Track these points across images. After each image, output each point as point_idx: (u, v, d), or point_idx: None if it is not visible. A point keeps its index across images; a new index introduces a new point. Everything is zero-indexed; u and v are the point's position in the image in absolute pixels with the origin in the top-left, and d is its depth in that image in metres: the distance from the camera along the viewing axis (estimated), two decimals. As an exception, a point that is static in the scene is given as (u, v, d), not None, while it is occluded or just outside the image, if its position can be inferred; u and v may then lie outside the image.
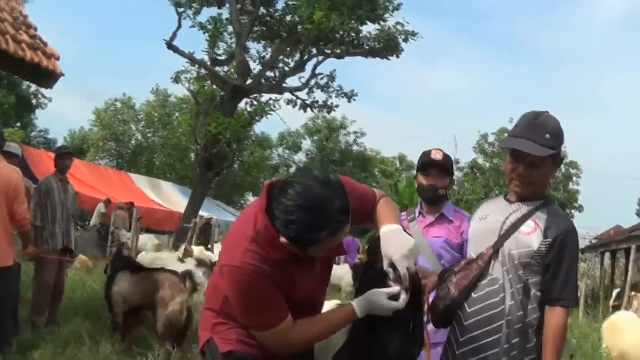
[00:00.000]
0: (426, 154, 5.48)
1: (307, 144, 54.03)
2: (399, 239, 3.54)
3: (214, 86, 25.13)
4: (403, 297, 3.51)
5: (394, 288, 3.51)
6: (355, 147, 54.89)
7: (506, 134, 38.33)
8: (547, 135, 3.84)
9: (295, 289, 3.48)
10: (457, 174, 46.07)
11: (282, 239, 3.25)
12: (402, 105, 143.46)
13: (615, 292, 20.50)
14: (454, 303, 3.95)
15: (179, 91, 57.38)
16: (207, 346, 3.70)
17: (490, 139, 45.50)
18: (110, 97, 52.58)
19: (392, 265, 3.47)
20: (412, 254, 3.52)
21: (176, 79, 25.29)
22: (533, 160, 3.87)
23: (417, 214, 5.54)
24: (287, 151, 55.01)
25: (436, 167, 5.44)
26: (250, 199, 60.33)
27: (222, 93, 24.85)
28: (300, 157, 54.27)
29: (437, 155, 5.44)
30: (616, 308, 16.09)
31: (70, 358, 8.09)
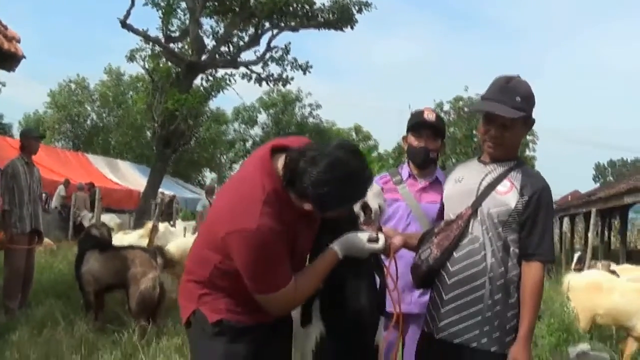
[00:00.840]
0: (418, 114, 5.30)
1: (262, 117, 53.94)
2: (379, 197, 3.75)
3: (169, 63, 24.98)
4: (382, 239, 3.73)
5: (372, 233, 3.71)
6: (311, 120, 54.85)
7: (461, 103, 38.61)
8: (518, 99, 3.99)
9: (297, 244, 3.58)
10: (437, 144, 46.20)
11: (307, 206, 3.37)
12: (357, 77, 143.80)
13: (576, 255, 20.78)
14: (437, 263, 4.08)
15: (133, 70, 56.93)
16: (193, 318, 3.74)
17: (446, 107, 45.50)
18: (64, 78, 51.97)
19: (363, 206, 3.68)
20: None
21: (131, 58, 25.10)
22: (504, 122, 4.01)
23: (405, 177, 5.36)
24: (243, 126, 54.82)
25: (428, 128, 5.24)
26: (208, 175, 60.15)
27: (178, 70, 24.70)
28: (257, 131, 54.14)
29: (429, 116, 5.25)
30: (578, 272, 16.34)
31: (48, 339, 8.07)
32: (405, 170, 5.40)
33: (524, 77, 4.16)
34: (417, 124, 5.26)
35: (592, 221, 17.11)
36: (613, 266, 15.21)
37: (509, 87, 4.04)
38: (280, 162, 3.49)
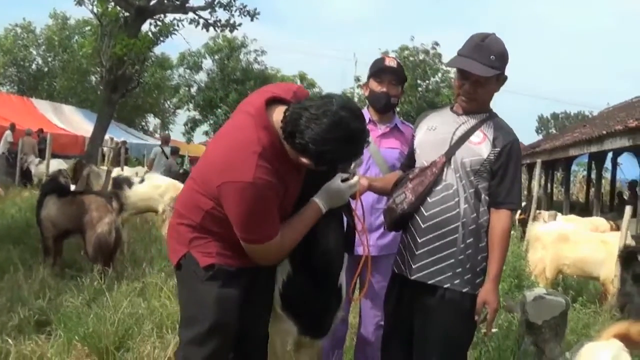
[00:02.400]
0: (380, 61, 5.40)
1: (207, 63, 53.39)
2: None
3: (118, 8, 24.67)
4: (355, 177, 3.90)
5: (343, 174, 3.88)
6: (256, 66, 54.20)
7: (407, 52, 38.62)
8: (492, 57, 4.12)
9: (287, 195, 3.70)
10: (358, 92, 46.12)
11: (305, 160, 3.50)
12: (302, 24, 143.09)
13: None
14: (411, 207, 4.23)
15: (79, 14, 55.99)
16: (184, 260, 3.84)
17: (389, 56, 45.44)
18: (10, 23, 51.00)
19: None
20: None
21: (79, 2, 24.66)
22: (478, 79, 4.15)
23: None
24: (187, 71, 54.29)
25: (390, 73, 5.34)
26: (151, 120, 59.67)
27: (126, 14, 24.41)
28: (202, 76, 53.64)
29: (391, 63, 5.37)
30: (523, 221, 16.63)
31: (9, 284, 8.07)
32: (366, 116, 5.30)
33: (467, 27, 4.30)
34: (379, 69, 5.35)
35: (536, 172, 17.35)
36: (559, 216, 15.55)
37: (483, 45, 4.17)
38: (277, 114, 3.58)
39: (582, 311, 9.19)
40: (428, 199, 4.21)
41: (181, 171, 20.53)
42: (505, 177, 4.18)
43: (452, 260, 4.16)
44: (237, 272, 3.79)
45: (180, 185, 11.68)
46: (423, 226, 4.21)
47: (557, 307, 6.41)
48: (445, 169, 4.21)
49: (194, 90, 52.55)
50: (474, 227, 4.19)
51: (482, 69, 4.10)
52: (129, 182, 12.21)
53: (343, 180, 3.89)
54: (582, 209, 24.92)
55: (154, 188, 12.52)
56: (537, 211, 16.28)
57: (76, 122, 36.04)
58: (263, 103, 3.62)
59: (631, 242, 10.40)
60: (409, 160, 4.63)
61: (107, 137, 24.64)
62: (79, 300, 7.21)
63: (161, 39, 26.27)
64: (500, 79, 4.29)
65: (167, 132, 34.40)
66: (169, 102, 57.70)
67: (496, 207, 4.20)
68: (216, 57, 51.71)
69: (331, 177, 3.91)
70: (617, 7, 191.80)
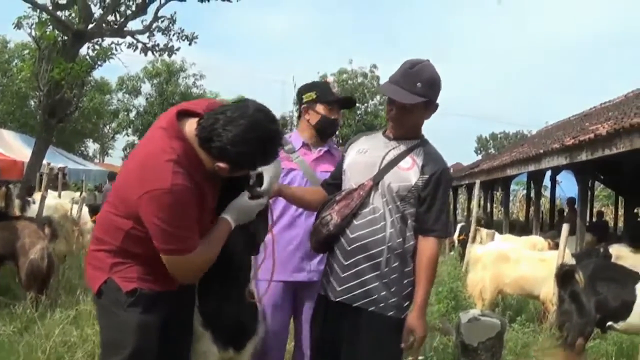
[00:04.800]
0: (329, 87, 5.47)
1: (146, 87, 53.21)
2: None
3: (56, 31, 24.47)
4: (264, 186, 3.91)
5: (250, 191, 3.85)
6: (194, 90, 54.25)
7: (345, 75, 38.83)
8: (419, 84, 4.14)
9: (205, 208, 3.68)
10: (296, 115, 46.25)
11: (221, 165, 3.49)
12: (240, 48, 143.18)
13: (459, 226, 21.27)
14: (336, 229, 4.22)
15: (18, 37, 55.46)
16: (105, 287, 3.77)
17: (329, 79, 45.63)
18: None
19: (258, 176, 3.86)
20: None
21: (18, 25, 24.42)
22: (404, 106, 4.18)
23: (298, 146, 5.39)
24: (126, 96, 54.03)
25: (340, 102, 5.44)
26: (91, 145, 59.23)
27: (65, 38, 24.23)
28: (140, 101, 53.39)
29: (337, 89, 5.46)
30: (463, 242, 16.75)
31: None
32: (297, 139, 5.44)
33: (405, 50, 4.34)
34: (334, 99, 5.39)
35: (475, 192, 17.49)
36: (497, 236, 15.70)
37: (412, 72, 4.19)
38: (189, 125, 3.58)
39: (520, 331, 9.26)
40: (354, 221, 4.20)
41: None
42: (433, 204, 4.19)
43: (377, 284, 4.16)
44: (159, 297, 3.74)
45: (67, 206, 11.62)
46: (348, 248, 4.21)
47: (493, 328, 6.43)
48: (372, 193, 4.21)
49: (132, 114, 52.39)
50: (400, 251, 4.18)
51: (405, 96, 4.13)
52: (27, 203, 12.17)
53: (252, 197, 3.87)
54: (522, 228, 25.12)
55: (45, 209, 12.38)
56: (477, 227, 16.42)
57: (16, 147, 35.51)
58: (174, 115, 3.62)
59: (571, 260, 10.48)
60: (332, 179, 4.62)
61: (45, 162, 24.38)
62: (10, 329, 7.11)
63: (99, 63, 26.14)
64: (430, 107, 4.30)
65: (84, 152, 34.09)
66: (108, 127, 57.43)
67: (423, 235, 4.21)
68: (155, 81, 51.60)
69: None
70: (552, 26, 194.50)
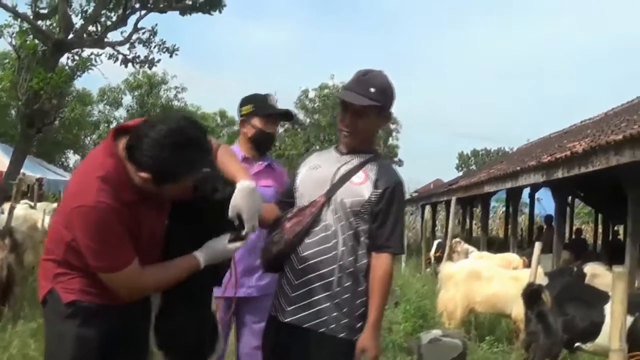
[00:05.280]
0: (267, 100, 5.41)
1: (127, 99, 53.16)
2: (253, 198, 3.72)
3: (36, 41, 24.42)
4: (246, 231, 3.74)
5: (231, 235, 3.75)
6: (176, 103, 54.26)
7: (326, 90, 38.95)
8: (372, 89, 4.11)
9: (142, 229, 3.59)
10: (278, 130, 46.25)
11: (144, 175, 3.40)
12: (223, 61, 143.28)
13: (436, 242, 21.26)
14: (287, 248, 4.13)
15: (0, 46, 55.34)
16: (49, 296, 3.73)
17: (311, 94, 45.66)
18: None
19: (239, 216, 3.68)
20: (258, 215, 3.76)
21: (-2, 34, 24.49)
22: (357, 110, 4.13)
23: (239, 159, 5.24)
24: (107, 107, 53.95)
25: (278, 116, 5.45)
26: (71, 156, 59.02)
27: (44, 48, 24.18)
28: (121, 113, 53.34)
29: (276, 103, 5.41)
30: (438, 259, 16.73)
31: None
32: (238, 153, 5.37)
33: (389, 66, 4.31)
34: (273, 112, 5.39)
35: (452, 209, 17.48)
36: (474, 253, 15.69)
37: (364, 79, 4.17)
38: (123, 142, 3.52)
39: (489, 350, 9.21)
40: (306, 239, 4.11)
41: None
42: (386, 220, 4.09)
43: (328, 304, 4.05)
44: (99, 310, 3.67)
45: (35, 217, 11.56)
46: (299, 267, 4.11)
47: (454, 349, 6.39)
48: (324, 209, 4.13)
49: (113, 126, 52.39)
50: (351, 270, 4.08)
51: (358, 99, 4.08)
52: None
53: (230, 241, 3.77)
54: (501, 245, 25.15)
55: (14, 220, 12.29)
56: (456, 239, 16.41)
57: (-5, 156, 35.47)
58: (111, 133, 3.59)
59: (544, 278, 10.43)
60: (285, 197, 4.53)
61: (22, 172, 24.27)
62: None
63: (78, 73, 26.13)
64: (383, 114, 4.27)
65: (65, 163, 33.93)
66: (89, 139, 57.23)
67: (377, 251, 4.11)
68: (136, 93, 51.57)
69: (215, 234, 3.80)
70: (536, 43, 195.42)
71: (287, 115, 5.59)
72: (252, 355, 5.30)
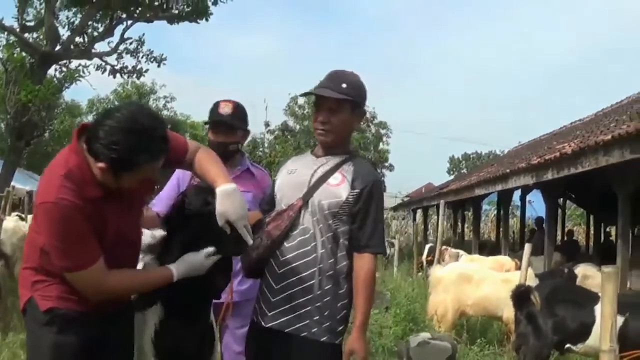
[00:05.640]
0: (214, 108, 5.34)
1: (116, 110, 53.24)
2: (236, 200, 3.73)
3: (24, 53, 24.38)
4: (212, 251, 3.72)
5: (209, 249, 3.72)
6: (165, 112, 54.34)
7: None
8: (344, 85, 4.13)
9: (107, 227, 3.58)
10: (268, 137, 46.16)
11: (100, 164, 3.41)
12: (212, 69, 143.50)
13: (427, 247, 21.26)
14: (266, 252, 4.12)
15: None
16: (28, 305, 3.72)
17: (301, 101, 45.67)
18: None
19: (229, 223, 3.66)
20: (246, 214, 3.74)
21: (-14, 48, 24.48)
22: (330, 106, 4.14)
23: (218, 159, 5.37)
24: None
25: (224, 123, 5.31)
26: (62, 168, 59.01)
27: (32, 60, 24.14)
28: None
29: (225, 109, 5.31)
30: (430, 262, 16.71)
31: None
32: None
33: (379, 71, 4.31)
34: (213, 121, 5.35)
35: (441, 213, 17.49)
36: (465, 256, 15.68)
37: (336, 76, 4.21)
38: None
39: (480, 353, 9.18)
40: (285, 243, 4.10)
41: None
42: (366, 220, 4.08)
43: (309, 308, 4.03)
44: (77, 317, 3.65)
45: (25, 228, 11.60)
46: (279, 272, 4.09)
47: (443, 352, 6.37)
48: (302, 212, 4.11)
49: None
50: (331, 272, 4.07)
51: (330, 93, 4.10)
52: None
53: (208, 255, 3.74)
54: (493, 248, 25.13)
55: (2, 232, 12.24)
56: (444, 247, 16.40)
57: (-15, 169, 35.43)
58: (77, 130, 3.60)
59: (534, 280, 10.42)
60: (267, 205, 4.50)
61: (12, 184, 24.22)
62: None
63: (66, 85, 26.09)
64: (357, 111, 4.27)
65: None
66: (79, 150, 57.24)
67: (358, 252, 4.09)
68: (125, 103, 51.63)
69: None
70: (528, 46, 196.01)
71: (226, 122, 5.33)
72: (230, 348, 5.33)
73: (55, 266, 3.54)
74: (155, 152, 3.53)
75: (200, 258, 3.72)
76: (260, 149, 46.48)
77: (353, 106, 4.19)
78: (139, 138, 3.40)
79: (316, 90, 4.25)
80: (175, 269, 3.70)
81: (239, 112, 5.41)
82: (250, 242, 3.79)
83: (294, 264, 4.06)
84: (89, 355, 3.69)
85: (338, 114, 4.15)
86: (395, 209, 50.49)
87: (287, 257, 4.08)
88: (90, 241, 3.49)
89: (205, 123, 5.46)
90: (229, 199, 3.69)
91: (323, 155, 4.27)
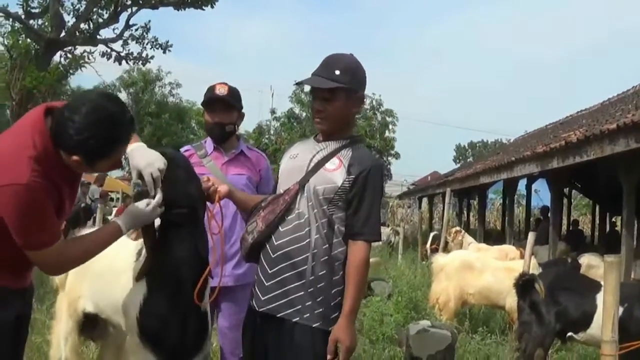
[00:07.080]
0: (210, 90, 5.38)
1: (122, 97, 53.10)
2: (144, 152, 3.88)
3: (29, 40, 24.35)
4: (156, 198, 3.85)
5: (150, 200, 3.84)
6: (171, 99, 54.33)
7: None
8: (337, 72, 4.05)
9: (63, 209, 3.66)
10: (274, 124, 46.23)
11: (75, 158, 3.45)
12: (218, 57, 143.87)
13: (432, 235, 21.19)
14: (261, 237, 4.08)
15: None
16: None
17: (307, 88, 45.59)
18: None
19: (140, 176, 3.81)
20: (156, 163, 3.84)
21: (-10, 34, 24.46)
22: (324, 95, 4.09)
23: (210, 150, 5.45)
24: (103, 105, 54.01)
25: (221, 102, 5.34)
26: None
27: (37, 47, 24.11)
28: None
29: (221, 90, 5.34)
30: (434, 250, 16.67)
31: None
32: (209, 144, 5.50)
33: (387, 58, 4.24)
34: (209, 100, 5.37)
35: (447, 201, 17.47)
36: (474, 244, 15.65)
37: (329, 62, 4.13)
38: (50, 122, 3.55)
39: (482, 342, 9.14)
40: (280, 227, 4.05)
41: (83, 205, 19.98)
42: (360, 206, 4.01)
43: (302, 293, 3.98)
44: (11, 293, 3.71)
45: None
46: (273, 256, 4.05)
47: (443, 340, 6.31)
48: (298, 197, 4.06)
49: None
50: (325, 258, 4.01)
51: (321, 82, 4.05)
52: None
53: (148, 205, 3.85)
54: (498, 237, 25.11)
55: None
56: (457, 228, 16.34)
57: (-11, 156, 35.45)
58: (42, 110, 3.60)
59: (538, 269, 10.37)
60: (275, 191, 4.44)
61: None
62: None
63: (71, 71, 26.09)
64: (354, 97, 4.17)
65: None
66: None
67: (352, 239, 4.02)
68: (131, 90, 51.55)
69: None
70: (534, 36, 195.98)
71: (224, 100, 5.38)
72: (225, 334, 5.36)
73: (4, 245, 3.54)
74: (128, 135, 3.64)
75: (143, 207, 3.83)
76: (267, 136, 46.44)
77: (348, 92, 4.11)
78: (111, 128, 3.49)
79: (307, 81, 4.19)
80: (122, 222, 3.80)
81: (234, 93, 5.44)
82: (153, 193, 3.86)
83: (288, 249, 4.01)
84: (21, 330, 3.80)
85: (332, 103, 4.08)
86: (400, 197, 50.49)
87: (281, 241, 4.03)
88: (54, 221, 3.56)
89: (202, 105, 5.44)
90: (136, 153, 3.84)
91: (324, 141, 4.22)
